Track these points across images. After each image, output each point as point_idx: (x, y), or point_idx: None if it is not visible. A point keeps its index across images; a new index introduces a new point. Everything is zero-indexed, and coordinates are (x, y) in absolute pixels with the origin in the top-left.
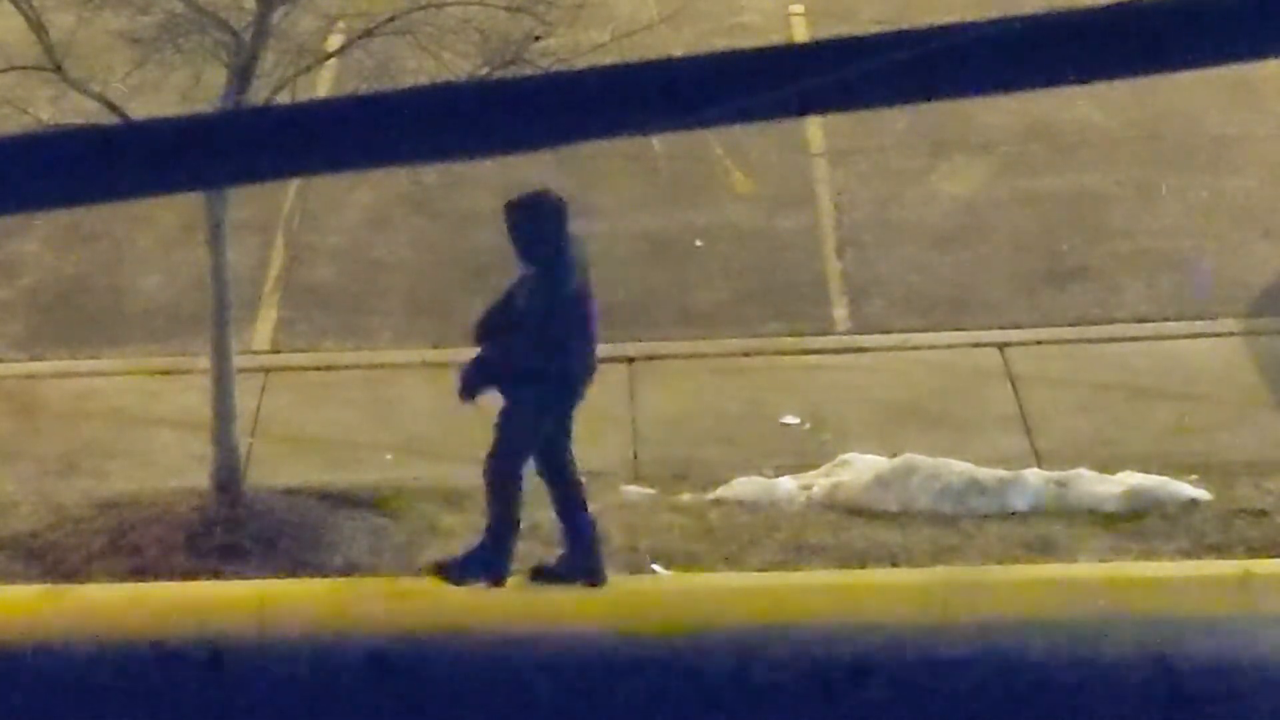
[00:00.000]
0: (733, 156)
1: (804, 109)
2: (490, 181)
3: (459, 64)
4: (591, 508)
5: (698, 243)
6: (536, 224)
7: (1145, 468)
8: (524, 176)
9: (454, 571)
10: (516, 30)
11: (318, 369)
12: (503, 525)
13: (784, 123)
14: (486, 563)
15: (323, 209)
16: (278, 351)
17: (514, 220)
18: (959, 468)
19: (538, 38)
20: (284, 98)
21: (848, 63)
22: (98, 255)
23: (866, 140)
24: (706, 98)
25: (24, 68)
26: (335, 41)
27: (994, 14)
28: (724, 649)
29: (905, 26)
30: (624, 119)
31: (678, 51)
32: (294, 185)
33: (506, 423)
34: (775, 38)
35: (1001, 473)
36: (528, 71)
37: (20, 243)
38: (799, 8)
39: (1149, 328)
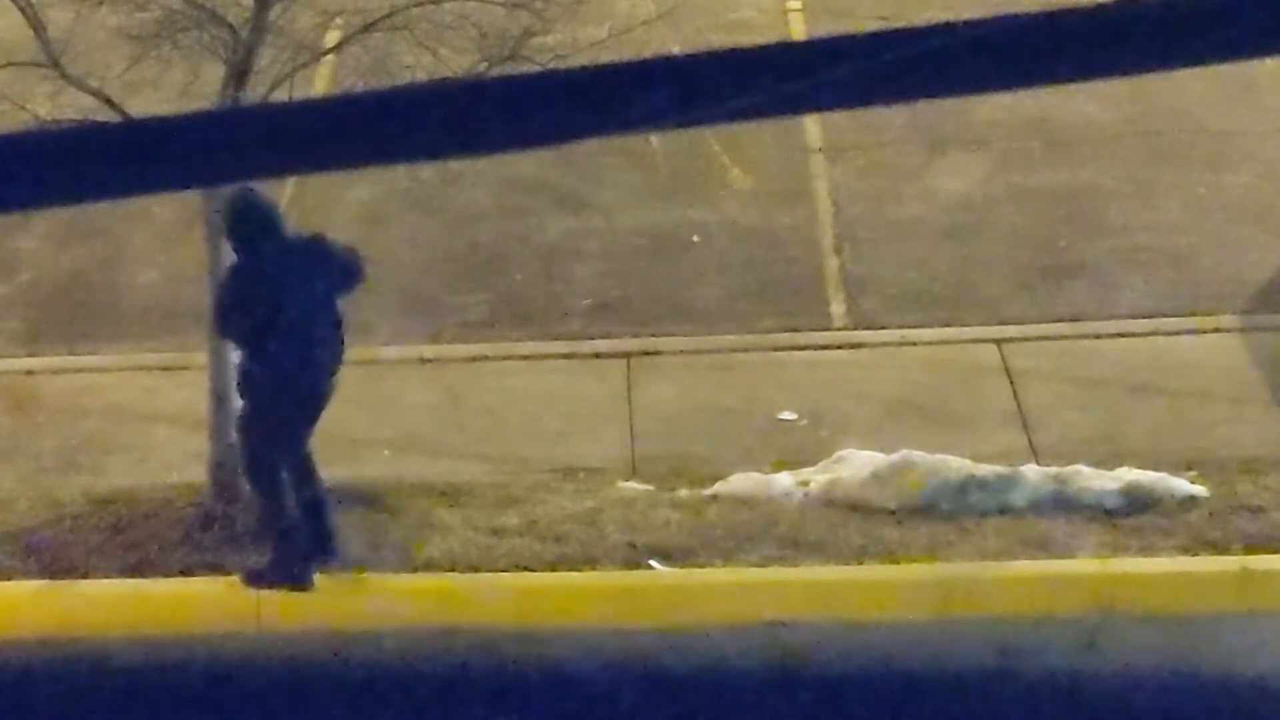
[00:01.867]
0: (730, 152)
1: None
2: (488, 177)
3: (456, 60)
4: (589, 503)
5: (695, 238)
6: (234, 222)
7: (1143, 464)
8: (520, 172)
9: (256, 579)
10: (514, 26)
11: None
12: (281, 529)
13: (782, 119)
14: (284, 568)
15: (319, 206)
16: None
17: (223, 217)
18: (956, 464)
19: (534, 34)
20: (281, 94)
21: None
22: (96, 251)
23: (864, 136)
24: (709, 95)
25: (22, 64)
26: (333, 38)
27: (991, 10)
28: (719, 645)
29: (904, 22)
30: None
31: (675, 48)
32: (291, 182)
33: (244, 428)
34: (773, 33)
35: (999, 469)
36: (525, 68)
37: (18, 239)
38: (796, 3)
39: (1147, 323)
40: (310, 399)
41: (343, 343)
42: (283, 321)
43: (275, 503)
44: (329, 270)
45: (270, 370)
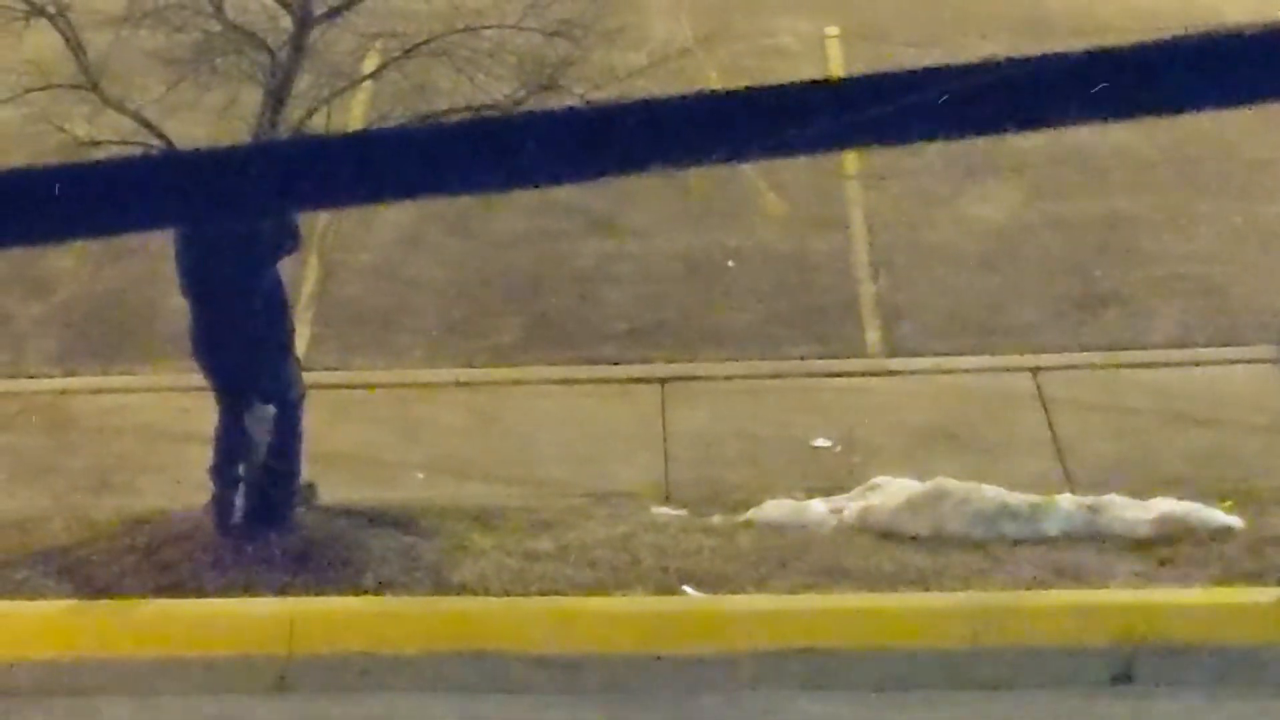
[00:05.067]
0: (765, 178)
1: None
2: (523, 201)
3: (495, 87)
4: (623, 528)
5: (730, 263)
6: None
7: (1178, 493)
8: (555, 196)
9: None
10: (552, 54)
11: (349, 386)
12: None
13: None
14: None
15: (356, 228)
16: (310, 369)
17: None
18: (990, 492)
19: (572, 62)
20: (319, 119)
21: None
22: (131, 271)
23: (899, 163)
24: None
25: (61, 85)
26: (371, 63)
27: (1023, 32)
28: (753, 670)
29: (939, 47)
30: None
31: (713, 74)
32: None
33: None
34: (811, 60)
35: (1033, 498)
36: (563, 96)
37: (54, 259)
38: (834, 30)
39: (1183, 353)
40: (246, 359)
41: (285, 305)
42: (219, 285)
43: (217, 453)
44: (267, 235)
45: (209, 329)
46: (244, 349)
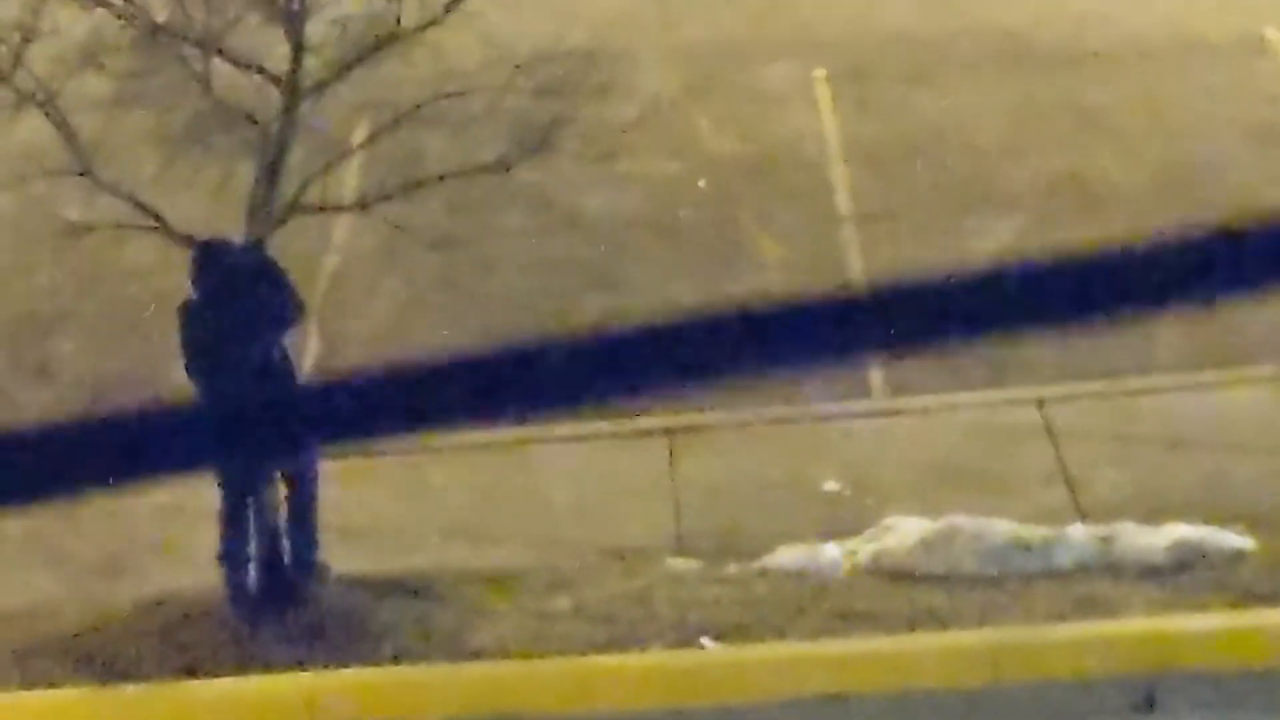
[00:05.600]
0: (759, 222)
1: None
2: (520, 261)
3: (487, 149)
4: (639, 582)
5: (727, 316)
6: (195, 268)
7: (1190, 519)
8: (553, 252)
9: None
10: (543, 114)
11: (358, 455)
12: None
13: (812, 188)
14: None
15: (356, 294)
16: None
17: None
18: (1002, 528)
19: (563, 121)
20: (315, 190)
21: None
22: (135, 351)
23: (892, 201)
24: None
25: (55, 173)
26: (361, 132)
27: (1010, 65)
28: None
29: (925, 85)
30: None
31: (704, 122)
32: (326, 274)
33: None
34: (802, 103)
35: (1045, 530)
36: (556, 155)
37: (57, 340)
38: (822, 72)
39: (1187, 378)
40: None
41: (294, 377)
42: (225, 361)
43: (226, 529)
44: (271, 311)
45: (216, 405)
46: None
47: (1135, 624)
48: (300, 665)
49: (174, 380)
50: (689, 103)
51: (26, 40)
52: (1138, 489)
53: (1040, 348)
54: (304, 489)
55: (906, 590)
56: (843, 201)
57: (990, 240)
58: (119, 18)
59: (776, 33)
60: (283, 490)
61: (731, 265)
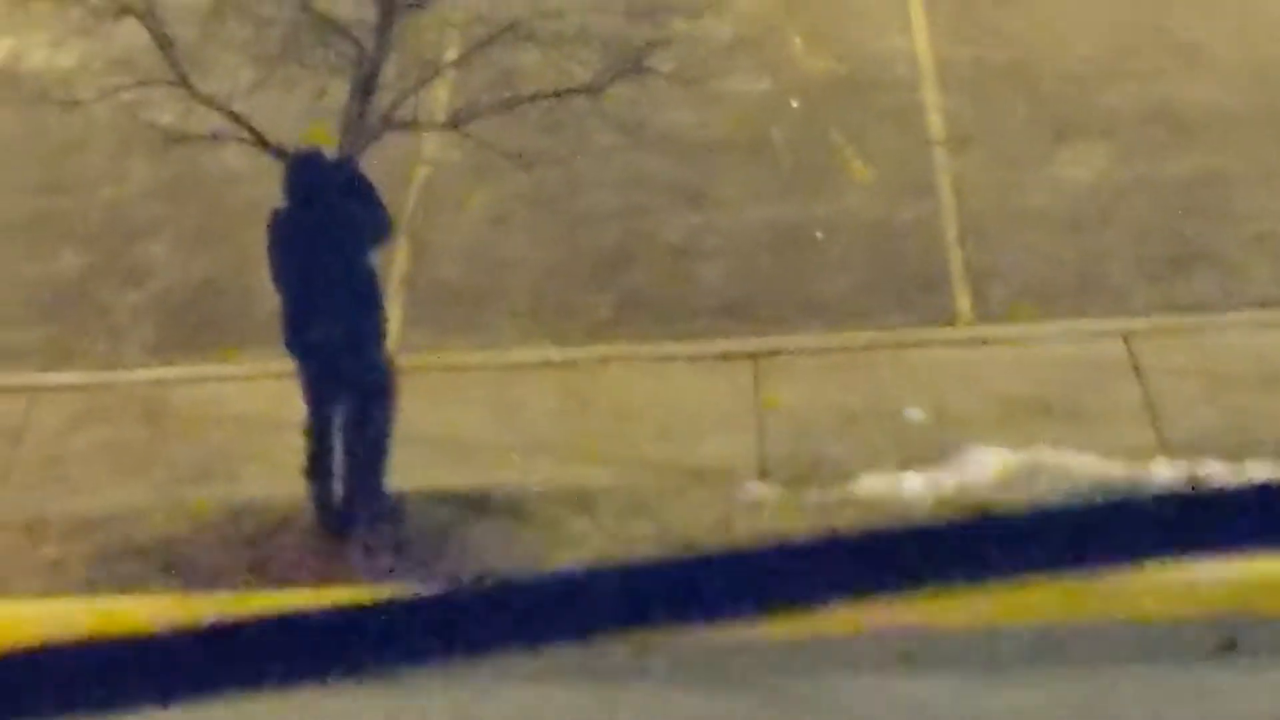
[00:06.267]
0: (852, 144)
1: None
2: (611, 179)
3: (580, 70)
4: (719, 508)
5: (818, 234)
6: (288, 175)
7: (1276, 457)
8: (644, 170)
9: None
10: (637, 35)
11: (443, 369)
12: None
13: (903, 110)
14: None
15: (444, 208)
16: (403, 351)
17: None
18: (1086, 463)
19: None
20: (407, 108)
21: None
22: (225, 258)
23: (986, 126)
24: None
25: (152, 82)
26: (454, 49)
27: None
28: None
29: (1018, 8)
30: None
31: (798, 39)
32: (416, 184)
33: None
34: (895, 23)
35: (1130, 466)
36: (650, 77)
37: (148, 244)
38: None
39: (1276, 314)
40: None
41: (377, 292)
42: (312, 271)
43: (311, 441)
44: (360, 224)
45: (301, 318)
46: (336, 337)
47: (1219, 566)
48: (382, 580)
49: (263, 287)
50: (782, 20)
51: None
52: (1225, 426)
53: (1130, 279)
54: (381, 400)
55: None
56: (935, 124)
57: (1083, 168)
58: None
59: None
60: (362, 404)
61: (821, 186)
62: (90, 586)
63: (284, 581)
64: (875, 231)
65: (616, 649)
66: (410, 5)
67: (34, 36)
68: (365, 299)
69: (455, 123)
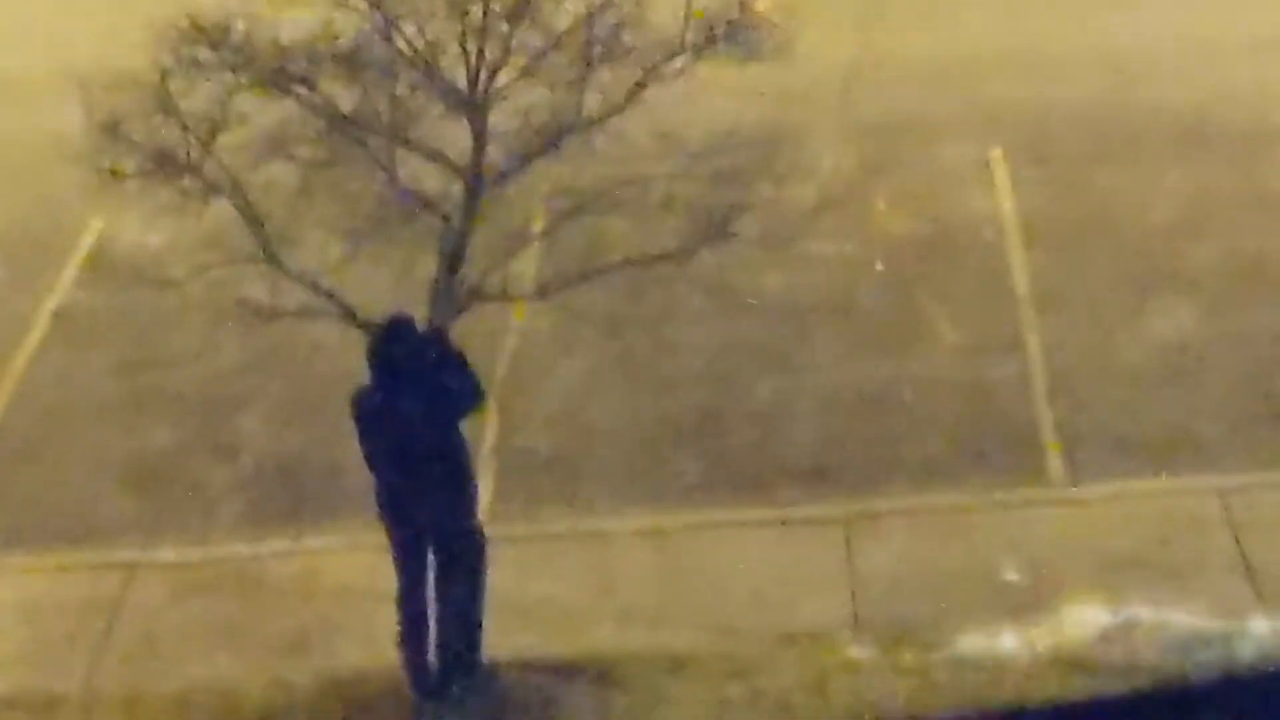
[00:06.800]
0: (937, 304)
1: None
2: (698, 343)
3: (666, 237)
4: (815, 670)
5: (907, 395)
6: (375, 346)
7: None
8: (728, 335)
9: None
10: (721, 199)
11: (535, 539)
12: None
13: (989, 269)
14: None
15: (535, 376)
16: (494, 521)
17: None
18: (1182, 621)
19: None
20: (495, 279)
21: None
22: (315, 430)
23: (1072, 281)
24: None
25: (243, 261)
26: (540, 218)
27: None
28: None
29: (1106, 165)
30: None
31: (881, 204)
32: (504, 354)
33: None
34: (977, 183)
35: (1226, 623)
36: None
37: (239, 418)
38: (999, 151)
39: None
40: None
41: (468, 462)
42: (405, 448)
43: (404, 611)
44: (450, 395)
45: (394, 491)
46: (430, 508)
47: None
48: None
49: (354, 459)
50: (866, 183)
51: (214, 131)
52: None
53: (1222, 435)
54: (473, 568)
55: (1085, 681)
56: (1020, 282)
57: (1170, 323)
58: (305, 108)
59: (953, 110)
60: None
61: (909, 347)
62: None
63: None
64: (965, 391)
65: None
66: (495, 178)
67: (125, 217)
68: (456, 470)
69: (543, 293)
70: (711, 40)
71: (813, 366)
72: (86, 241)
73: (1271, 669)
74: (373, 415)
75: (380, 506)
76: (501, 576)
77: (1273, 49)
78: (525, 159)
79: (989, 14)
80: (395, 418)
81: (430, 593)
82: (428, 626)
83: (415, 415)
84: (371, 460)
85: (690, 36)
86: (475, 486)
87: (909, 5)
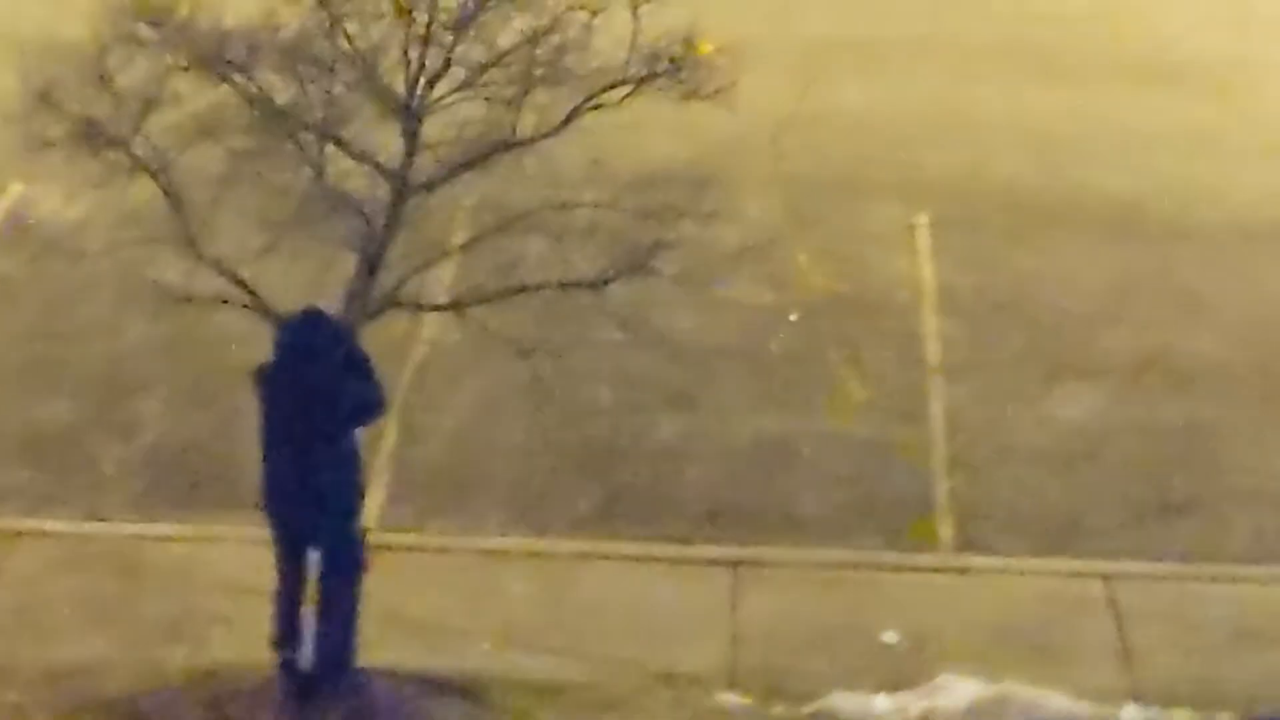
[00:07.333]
0: (848, 364)
1: None
2: (606, 375)
3: (586, 264)
4: (687, 713)
5: (805, 450)
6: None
7: (1246, 712)
8: (636, 370)
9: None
10: (645, 235)
11: (422, 550)
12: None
13: (902, 334)
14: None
15: (439, 389)
16: (384, 529)
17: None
18: (1056, 701)
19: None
20: (411, 287)
21: None
22: (216, 419)
23: (983, 357)
24: None
25: (159, 240)
26: (461, 231)
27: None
28: None
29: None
30: None
31: (802, 257)
32: (411, 364)
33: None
34: (900, 247)
35: (1099, 708)
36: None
37: (140, 399)
38: (924, 218)
39: (1259, 569)
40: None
41: (357, 469)
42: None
43: (278, 608)
44: (351, 397)
45: (280, 479)
46: (312, 506)
47: None
48: None
49: (252, 453)
50: (789, 234)
51: (147, 110)
52: (1196, 677)
53: (1114, 522)
54: (353, 578)
55: None
56: (931, 350)
57: (1075, 407)
58: (240, 96)
59: (884, 174)
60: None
61: (813, 402)
62: None
63: None
64: (863, 452)
65: None
66: (421, 186)
67: (46, 186)
68: (343, 472)
69: (457, 305)
70: (654, 74)
71: (716, 410)
72: (3, 204)
73: None
74: (270, 397)
75: (266, 496)
76: (383, 586)
77: (1203, 144)
78: (454, 170)
79: (930, 80)
80: (291, 405)
81: (308, 593)
82: (301, 627)
83: (311, 407)
84: (262, 443)
85: (634, 68)
86: (360, 493)
87: (850, 62)
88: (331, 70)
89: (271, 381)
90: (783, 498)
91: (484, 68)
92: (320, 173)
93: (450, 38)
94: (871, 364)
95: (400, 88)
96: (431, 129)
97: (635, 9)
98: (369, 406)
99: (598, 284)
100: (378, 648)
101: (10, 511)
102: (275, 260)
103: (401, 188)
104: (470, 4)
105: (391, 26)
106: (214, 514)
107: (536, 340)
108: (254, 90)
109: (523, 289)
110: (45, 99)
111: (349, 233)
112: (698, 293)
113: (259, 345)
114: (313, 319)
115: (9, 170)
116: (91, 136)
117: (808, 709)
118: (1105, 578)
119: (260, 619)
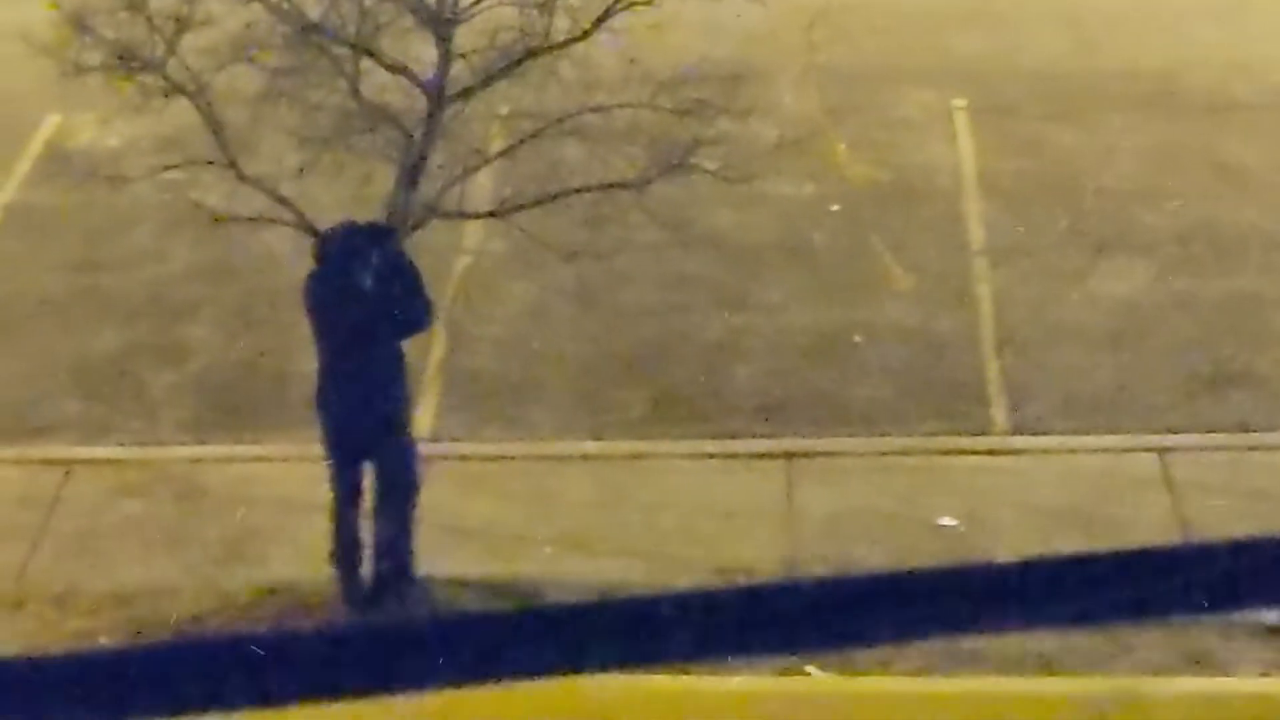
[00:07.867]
0: (893, 252)
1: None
2: (651, 276)
3: (626, 165)
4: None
5: (857, 338)
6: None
7: None
8: (685, 269)
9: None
10: (684, 133)
11: (477, 459)
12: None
13: (945, 220)
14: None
15: (484, 299)
16: (437, 440)
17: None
18: None
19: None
20: (452, 196)
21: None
22: (264, 340)
23: (1028, 239)
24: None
25: (200, 163)
26: (499, 138)
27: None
28: None
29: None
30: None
31: (842, 146)
32: (456, 274)
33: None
34: (938, 133)
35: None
36: (695, 174)
37: (188, 324)
38: (962, 102)
39: None
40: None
41: (403, 384)
42: (338, 347)
43: (336, 523)
44: (396, 308)
45: (328, 393)
46: (361, 412)
47: (1246, 683)
48: None
49: (301, 370)
50: (828, 126)
51: (180, 30)
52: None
53: (1165, 396)
54: (408, 487)
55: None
56: (975, 234)
57: (1121, 284)
58: (272, 14)
59: (920, 61)
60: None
61: (860, 292)
62: None
63: None
64: (913, 339)
65: None
66: (457, 96)
67: (83, 114)
68: (390, 383)
69: (499, 213)
70: None
71: (763, 305)
72: (43, 136)
73: None
74: (319, 306)
75: (318, 406)
76: (440, 495)
77: (1237, 14)
78: (490, 78)
79: None
80: (338, 316)
81: (366, 506)
82: (360, 539)
83: (357, 318)
84: (316, 349)
85: None
86: (408, 403)
87: None
88: None
89: (314, 291)
90: (834, 389)
91: None
92: (356, 87)
93: None
94: (916, 251)
95: None
96: (465, 38)
97: None
98: (416, 317)
99: (639, 184)
100: (436, 557)
101: (65, 441)
102: (316, 177)
103: (438, 98)
104: None
105: None
106: (268, 434)
107: (580, 244)
108: (286, 7)
109: (564, 193)
110: (78, 25)
111: (387, 145)
112: (739, 189)
113: (303, 265)
114: (351, 227)
115: (47, 101)
116: (127, 61)
117: None
118: (1160, 452)
119: (319, 535)
